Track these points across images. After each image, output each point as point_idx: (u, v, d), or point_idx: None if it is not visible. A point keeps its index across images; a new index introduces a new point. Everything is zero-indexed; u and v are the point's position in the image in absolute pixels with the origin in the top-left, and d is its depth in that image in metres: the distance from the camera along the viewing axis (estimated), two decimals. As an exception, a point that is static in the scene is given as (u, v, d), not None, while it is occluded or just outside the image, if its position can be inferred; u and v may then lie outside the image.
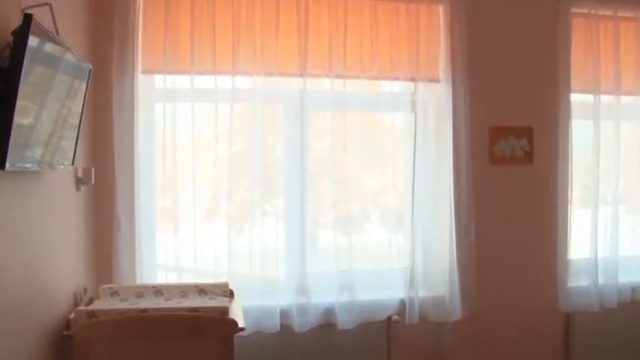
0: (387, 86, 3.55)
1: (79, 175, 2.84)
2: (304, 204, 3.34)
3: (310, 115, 3.39)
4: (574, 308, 3.89)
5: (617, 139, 3.94)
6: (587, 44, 3.85)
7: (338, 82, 3.38)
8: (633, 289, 4.04)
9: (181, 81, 3.22)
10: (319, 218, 3.55)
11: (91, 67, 2.55)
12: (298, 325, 3.29)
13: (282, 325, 3.27)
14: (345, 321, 3.35)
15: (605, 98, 3.90)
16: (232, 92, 3.24)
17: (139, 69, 3.16)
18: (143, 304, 2.59)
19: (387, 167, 3.58)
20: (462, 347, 3.68)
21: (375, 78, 3.50)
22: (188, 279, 3.16)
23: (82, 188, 2.90)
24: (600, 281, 3.90)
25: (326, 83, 3.38)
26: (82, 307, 2.54)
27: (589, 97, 3.88)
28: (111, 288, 2.77)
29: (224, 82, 3.24)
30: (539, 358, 3.85)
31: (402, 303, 3.49)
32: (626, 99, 3.97)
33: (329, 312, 3.37)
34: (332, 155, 3.40)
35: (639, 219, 4.17)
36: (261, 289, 3.29)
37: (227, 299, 2.77)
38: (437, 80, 3.56)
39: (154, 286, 2.82)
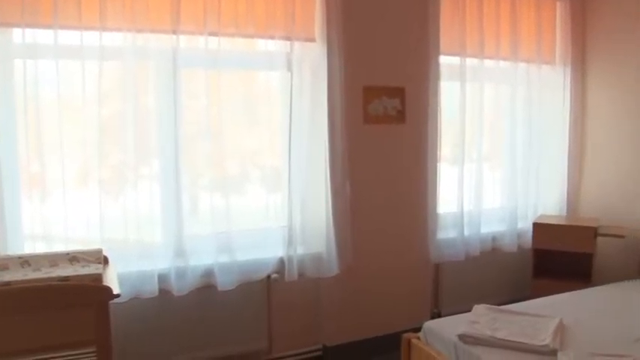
0: (262, 45, 3.50)
1: None
2: (180, 166, 3.26)
3: (184, 74, 3.27)
4: (443, 259, 4.18)
5: (481, 100, 4.21)
6: (454, 10, 4.06)
7: (212, 39, 3.28)
8: (494, 239, 4.40)
9: (43, 36, 2.97)
10: (196, 180, 3.48)
11: None
12: (177, 288, 3.25)
13: (160, 290, 3.21)
14: (224, 282, 3.36)
15: (471, 61, 4.15)
16: (100, 49, 3.05)
17: (-7, 21, 2.89)
18: (7, 276, 2.43)
19: (264, 127, 3.57)
20: (340, 301, 3.82)
21: (251, 36, 3.44)
22: (59, 248, 2.98)
23: None
24: (466, 233, 4.23)
25: (200, 41, 3.28)
26: None
27: (456, 60, 4.11)
28: (-30, 261, 2.58)
29: (91, 38, 3.03)
30: (412, 305, 4.09)
31: (281, 261, 3.55)
32: (488, 62, 4.24)
33: (208, 274, 3.36)
34: (208, 116, 3.33)
35: (500, 175, 4.51)
36: (138, 253, 3.20)
37: (101, 266, 2.68)
38: (312, 39, 3.57)
39: (19, 257, 2.65)
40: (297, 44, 3.50)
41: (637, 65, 4.28)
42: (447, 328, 2.98)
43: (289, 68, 3.51)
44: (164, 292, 3.23)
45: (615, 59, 4.47)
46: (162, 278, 3.23)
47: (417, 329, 3.15)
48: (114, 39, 3.11)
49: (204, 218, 3.40)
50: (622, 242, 4.26)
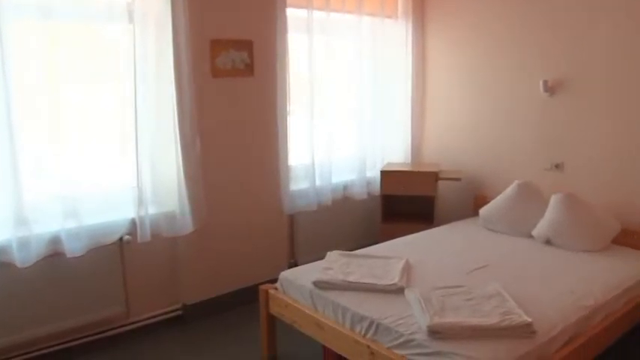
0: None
1: None
2: (14, 128, 2.96)
3: (11, 28, 2.94)
4: (296, 209, 4.29)
5: (329, 53, 4.30)
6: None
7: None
8: (345, 188, 4.59)
9: None
10: (36, 143, 3.18)
11: None
12: (20, 259, 3.03)
13: (1, 263, 3.00)
14: (73, 248, 3.19)
15: (318, 14, 4.20)
16: None
17: None
18: None
19: (108, 83, 3.37)
20: (197, 258, 3.81)
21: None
22: None
23: None
24: (317, 183, 4.36)
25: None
26: None
27: (303, 12, 4.13)
28: None
29: None
30: (269, 257, 4.19)
31: (133, 222, 3.43)
32: (335, 15, 4.32)
33: (55, 241, 3.16)
34: (46, 73, 3.07)
35: (349, 126, 4.66)
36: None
37: None
38: (156, -10, 3.40)
39: None
40: (138, -6, 3.31)
41: (470, 18, 4.58)
42: (302, 276, 3.09)
43: (131, 21, 3.31)
44: (6, 265, 3.01)
45: (451, 13, 4.75)
46: (3, 250, 3.00)
47: (275, 280, 3.23)
48: None
49: (47, 183, 3.17)
50: (459, 185, 4.63)
